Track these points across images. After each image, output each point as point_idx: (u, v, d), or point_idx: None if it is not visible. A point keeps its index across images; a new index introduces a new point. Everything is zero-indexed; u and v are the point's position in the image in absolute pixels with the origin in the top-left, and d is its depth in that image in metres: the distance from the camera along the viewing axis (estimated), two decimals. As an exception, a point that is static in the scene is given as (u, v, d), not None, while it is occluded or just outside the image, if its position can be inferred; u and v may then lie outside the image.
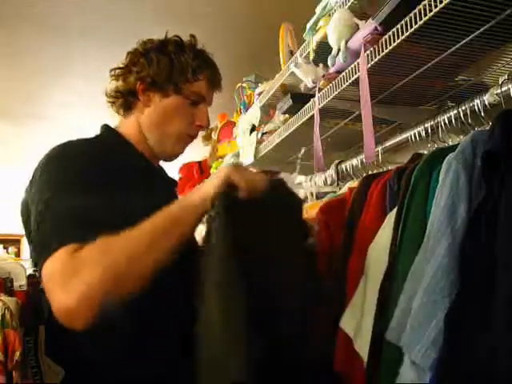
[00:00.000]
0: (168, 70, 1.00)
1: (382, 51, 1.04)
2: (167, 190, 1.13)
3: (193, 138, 1.07)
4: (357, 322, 0.96)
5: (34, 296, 1.79)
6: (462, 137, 1.12)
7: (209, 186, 0.83)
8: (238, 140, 2.20)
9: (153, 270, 0.77)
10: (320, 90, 1.35)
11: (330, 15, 1.28)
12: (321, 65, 1.36)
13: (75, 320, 0.71)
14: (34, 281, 1.90)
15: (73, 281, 0.71)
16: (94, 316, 0.70)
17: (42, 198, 0.82)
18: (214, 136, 2.73)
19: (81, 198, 0.80)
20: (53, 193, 0.82)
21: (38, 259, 0.77)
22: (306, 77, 1.39)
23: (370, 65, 1.09)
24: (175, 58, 1.01)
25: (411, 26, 0.94)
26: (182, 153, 1.09)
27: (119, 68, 1.05)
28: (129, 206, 0.82)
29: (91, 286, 0.70)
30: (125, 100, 1.04)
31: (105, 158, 0.93)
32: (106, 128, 1.06)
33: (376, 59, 1.06)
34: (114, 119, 1.10)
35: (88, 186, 0.83)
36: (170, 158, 1.09)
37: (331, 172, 1.65)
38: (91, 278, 0.71)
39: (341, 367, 1.02)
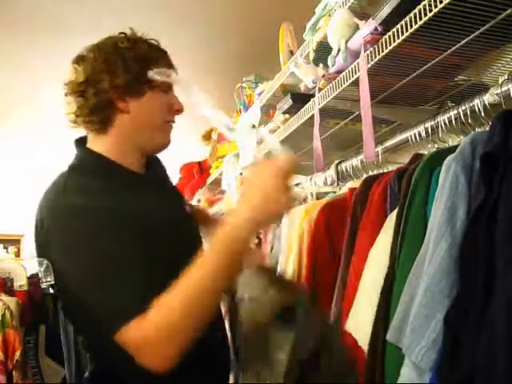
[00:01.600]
0: (135, 69, 0.96)
1: (382, 51, 1.04)
2: (164, 193, 1.12)
3: (173, 123, 1.06)
4: (361, 324, 0.96)
5: (35, 296, 1.79)
6: (462, 137, 1.12)
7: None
8: (238, 140, 2.20)
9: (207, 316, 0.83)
10: (320, 90, 1.35)
11: (330, 15, 1.28)
12: (321, 65, 1.36)
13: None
14: (35, 281, 1.91)
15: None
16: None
17: (75, 265, 0.85)
18: (214, 136, 2.73)
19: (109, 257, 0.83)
20: (83, 259, 0.84)
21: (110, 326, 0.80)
22: (306, 77, 1.39)
23: (370, 65, 1.08)
24: (134, 55, 0.96)
25: (411, 26, 0.93)
26: (169, 142, 1.06)
27: (80, 83, 0.97)
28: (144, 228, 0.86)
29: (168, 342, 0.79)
30: (104, 115, 0.98)
31: (106, 194, 0.92)
32: (85, 153, 1.01)
33: (376, 59, 1.06)
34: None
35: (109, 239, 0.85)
36: (160, 150, 1.07)
37: (331, 172, 1.65)
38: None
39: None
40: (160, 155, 1.14)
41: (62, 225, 0.87)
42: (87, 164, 1.00)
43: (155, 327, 0.78)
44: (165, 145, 1.06)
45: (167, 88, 1.02)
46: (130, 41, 0.99)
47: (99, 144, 1.00)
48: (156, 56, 1.00)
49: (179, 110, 1.05)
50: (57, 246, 0.87)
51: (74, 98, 0.98)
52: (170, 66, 1.03)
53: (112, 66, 0.95)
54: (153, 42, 1.04)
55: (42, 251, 0.92)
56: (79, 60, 0.99)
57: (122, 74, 0.95)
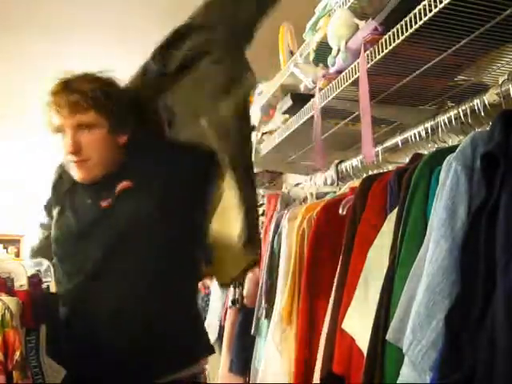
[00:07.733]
0: None
1: (382, 51, 1.04)
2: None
3: (77, 162, 1.11)
4: (359, 324, 0.96)
5: (36, 295, 1.78)
6: (461, 137, 1.12)
7: None
8: (238, 140, 2.20)
9: None
10: (320, 89, 1.35)
11: (329, 15, 1.28)
12: (321, 65, 1.36)
13: None
14: (35, 280, 1.91)
15: None
16: None
17: None
18: (214, 136, 2.73)
19: None
20: None
21: None
22: (306, 77, 1.39)
23: (370, 65, 1.08)
24: None
25: (411, 26, 0.93)
26: (83, 176, 1.12)
27: None
28: None
29: None
30: None
31: None
32: None
33: (376, 59, 1.06)
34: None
35: None
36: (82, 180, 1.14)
37: (331, 172, 1.65)
38: None
39: (340, 368, 1.02)
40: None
41: None
42: None
43: None
44: (82, 180, 1.13)
45: (58, 130, 1.12)
46: None
47: None
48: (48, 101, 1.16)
49: (70, 152, 1.09)
50: None
51: None
52: (54, 105, 1.14)
53: None
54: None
55: None
56: None
57: None
